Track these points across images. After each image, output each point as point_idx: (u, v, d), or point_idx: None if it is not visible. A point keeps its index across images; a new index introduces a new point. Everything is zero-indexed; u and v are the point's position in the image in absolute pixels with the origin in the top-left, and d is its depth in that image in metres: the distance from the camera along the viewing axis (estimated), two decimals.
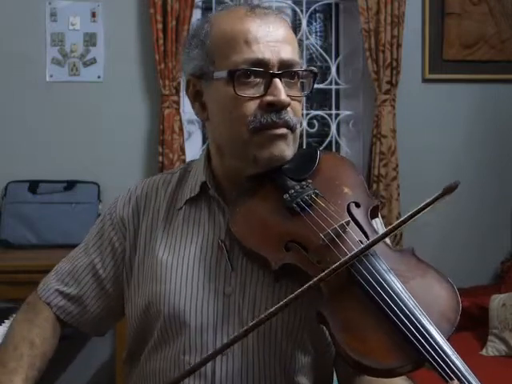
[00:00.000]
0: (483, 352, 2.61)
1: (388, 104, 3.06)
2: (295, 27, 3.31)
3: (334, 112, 3.26)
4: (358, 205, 1.05)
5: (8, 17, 3.00)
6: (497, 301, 2.72)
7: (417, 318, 0.86)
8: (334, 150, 3.27)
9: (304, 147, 3.17)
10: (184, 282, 1.06)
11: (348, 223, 0.99)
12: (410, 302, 0.88)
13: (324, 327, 1.00)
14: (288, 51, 1.05)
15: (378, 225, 1.13)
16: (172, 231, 1.12)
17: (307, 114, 3.23)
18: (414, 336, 0.84)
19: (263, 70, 1.02)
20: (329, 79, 3.24)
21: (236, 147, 1.06)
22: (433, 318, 0.86)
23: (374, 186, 3.04)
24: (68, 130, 3.05)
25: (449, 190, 0.88)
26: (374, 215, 1.07)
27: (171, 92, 2.96)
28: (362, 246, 0.93)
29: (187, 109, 3.17)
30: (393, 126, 3.06)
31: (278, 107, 1.02)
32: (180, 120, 3.00)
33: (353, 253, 0.91)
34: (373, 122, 3.09)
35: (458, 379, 0.80)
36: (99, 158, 3.05)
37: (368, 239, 0.97)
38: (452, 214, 3.10)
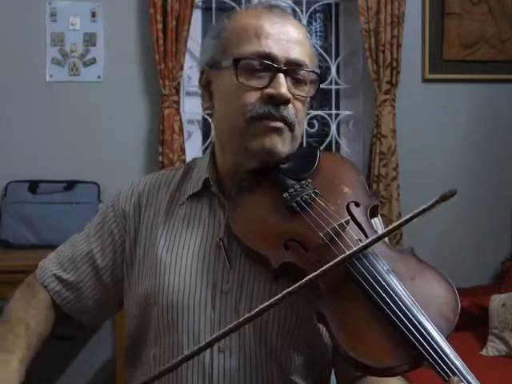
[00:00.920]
0: (483, 352, 2.62)
1: (388, 104, 3.06)
2: None
3: (333, 112, 3.26)
4: (357, 204, 1.05)
5: (8, 17, 3.00)
6: (497, 301, 2.72)
7: (415, 317, 0.86)
8: (333, 149, 3.28)
9: (304, 146, 3.18)
10: (182, 277, 1.07)
11: (347, 222, 0.99)
12: (409, 301, 0.88)
13: (323, 327, 1.00)
14: (297, 51, 1.06)
15: (378, 224, 1.13)
16: (173, 226, 1.13)
17: (307, 114, 3.22)
18: (413, 334, 0.84)
19: (268, 64, 1.04)
20: (329, 79, 3.24)
21: (233, 137, 1.07)
22: (431, 317, 0.86)
23: (374, 186, 3.05)
24: (68, 130, 3.05)
25: (445, 198, 0.89)
26: (373, 215, 1.07)
27: (171, 92, 2.96)
28: (360, 244, 0.93)
29: (187, 109, 3.18)
30: (393, 126, 3.07)
31: (277, 100, 1.03)
32: (180, 120, 3.00)
33: (350, 251, 0.92)
34: (373, 121, 3.09)
35: (455, 375, 0.80)
36: (99, 158, 3.05)
37: (367, 238, 0.97)
38: (452, 214, 3.10)
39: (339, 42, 3.30)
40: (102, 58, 3.05)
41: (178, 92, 2.99)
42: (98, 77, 3.06)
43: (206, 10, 3.23)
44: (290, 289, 0.88)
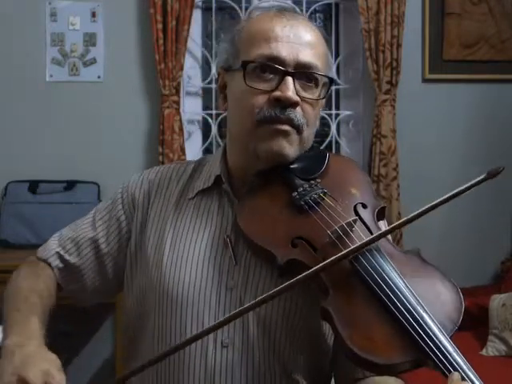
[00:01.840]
0: (483, 352, 2.62)
1: (388, 104, 3.06)
2: None
3: (334, 112, 3.26)
4: (364, 206, 1.06)
5: (8, 17, 3.00)
6: (497, 301, 2.72)
7: (419, 314, 0.86)
8: (334, 150, 3.28)
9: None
10: (188, 272, 1.07)
11: (355, 221, 1.00)
12: (413, 299, 0.88)
13: (327, 327, 1.00)
14: (308, 54, 1.07)
15: (383, 227, 1.13)
16: (181, 220, 1.13)
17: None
18: (417, 332, 0.85)
19: (276, 67, 1.05)
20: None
21: (242, 139, 1.09)
22: (436, 316, 0.87)
23: (374, 186, 3.04)
24: (68, 130, 3.05)
25: (492, 175, 0.93)
26: (380, 217, 1.08)
27: (171, 92, 2.96)
28: (370, 237, 0.93)
29: (187, 109, 3.18)
30: (393, 126, 3.07)
31: (284, 103, 1.04)
32: (180, 120, 3.00)
33: (356, 245, 0.92)
34: (373, 121, 3.09)
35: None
36: (99, 158, 3.05)
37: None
38: (452, 213, 3.10)
39: (339, 42, 3.30)
40: (101, 58, 3.05)
41: (177, 92, 2.99)
42: (98, 77, 3.06)
43: (206, 9, 3.23)
44: (294, 280, 0.89)
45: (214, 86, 3.17)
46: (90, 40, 3.04)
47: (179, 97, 3.02)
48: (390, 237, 1.09)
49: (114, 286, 1.22)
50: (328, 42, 1.15)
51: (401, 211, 3.04)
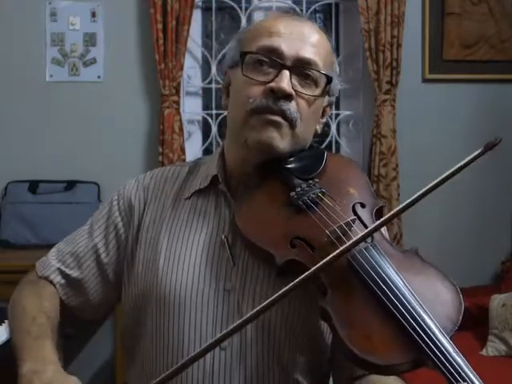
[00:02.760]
0: (483, 352, 2.62)
1: (388, 104, 3.06)
2: None
3: (334, 112, 3.25)
4: (363, 205, 1.06)
5: (8, 17, 3.01)
6: (497, 301, 2.72)
7: (418, 314, 0.86)
8: (334, 150, 3.27)
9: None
10: (185, 274, 1.07)
11: (354, 221, 1.00)
12: (412, 298, 0.88)
13: (325, 326, 1.00)
14: (309, 51, 1.07)
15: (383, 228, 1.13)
16: (177, 222, 1.13)
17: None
18: (416, 332, 0.84)
19: (274, 59, 1.06)
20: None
21: (236, 130, 1.09)
22: (435, 316, 0.86)
23: (374, 186, 3.04)
24: (68, 130, 3.05)
25: (489, 147, 0.88)
26: (378, 216, 1.07)
27: (171, 92, 2.96)
28: (365, 231, 0.92)
29: (187, 109, 3.18)
30: (393, 126, 3.07)
31: (277, 94, 1.04)
32: (180, 120, 3.00)
33: (352, 240, 0.91)
34: (373, 122, 3.09)
35: (459, 375, 0.81)
36: (99, 158, 3.05)
37: (373, 239, 0.98)
38: (452, 213, 3.10)
39: (339, 42, 3.30)
40: (101, 58, 3.05)
41: (177, 92, 2.99)
42: (98, 77, 3.06)
43: (206, 9, 3.23)
44: (291, 284, 0.88)
45: (214, 86, 3.17)
46: (90, 40, 3.04)
47: (179, 97, 3.02)
48: (388, 236, 1.09)
49: (116, 296, 1.19)
50: (332, 45, 1.16)
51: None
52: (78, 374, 0.95)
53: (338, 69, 1.17)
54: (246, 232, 1.04)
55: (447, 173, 0.88)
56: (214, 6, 3.16)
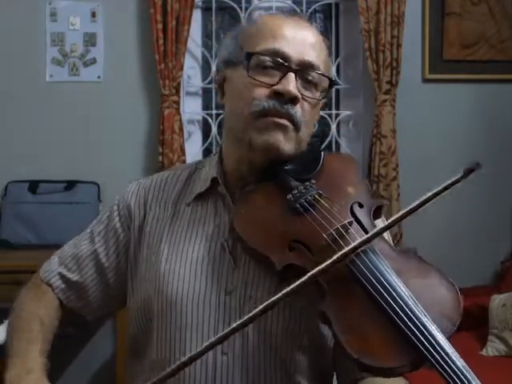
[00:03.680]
0: (483, 352, 2.62)
1: (388, 104, 3.06)
2: None
3: (334, 112, 3.25)
4: (361, 205, 1.05)
5: (8, 17, 3.01)
6: (497, 301, 2.72)
7: (417, 317, 0.86)
8: (333, 150, 3.27)
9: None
10: (187, 279, 1.07)
11: (351, 223, 0.99)
12: (411, 301, 0.88)
13: (327, 327, 1.00)
14: (311, 55, 1.08)
15: (381, 225, 1.13)
16: (178, 226, 1.13)
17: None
18: (414, 334, 0.84)
19: (280, 61, 1.05)
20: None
21: (238, 131, 1.08)
22: (434, 318, 0.86)
23: (374, 186, 3.04)
24: (68, 130, 3.05)
25: (469, 172, 0.86)
26: (377, 215, 1.07)
27: (171, 92, 2.97)
28: (363, 237, 0.92)
29: (187, 109, 3.18)
30: (393, 126, 3.06)
31: (284, 97, 1.04)
32: (180, 120, 3.00)
33: (350, 246, 0.91)
34: (373, 121, 3.09)
35: (457, 376, 0.81)
36: (99, 158, 3.05)
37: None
38: (452, 213, 3.10)
39: (339, 42, 3.30)
40: (101, 58, 3.05)
41: (177, 92, 2.99)
42: (98, 77, 3.06)
43: (206, 9, 3.23)
44: (289, 288, 0.88)
45: (214, 85, 3.16)
46: (89, 40, 3.04)
47: (179, 97, 3.02)
48: (387, 236, 1.08)
49: (118, 300, 1.20)
50: (329, 49, 1.17)
51: (401, 211, 3.04)
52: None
53: (331, 68, 1.19)
54: (244, 237, 1.03)
55: (424, 197, 0.87)
56: (213, 5, 3.16)
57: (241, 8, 3.17)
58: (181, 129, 3.00)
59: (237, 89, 1.09)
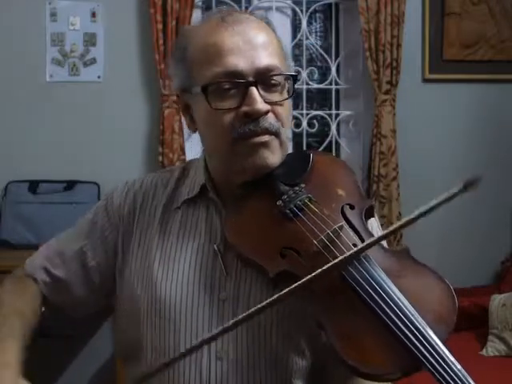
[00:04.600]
0: (483, 352, 2.62)
1: (388, 104, 3.06)
2: (295, 27, 3.32)
3: (334, 112, 3.25)
4: (352, 207, 1.04)
5: (8, 17, 3.00)
6: (497, 301, 2.72)
7: (411, 322, 0.85)
8: (334, 150, 3.28)
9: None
10: (179, 286, 1.06)
11: (341, 228, 0.98)
12: (405, 306, 0.87)
13: (323, 333, 1.00)
14: (264, 57, 1.02)
15: (374, 224, 1.12)
16: (168, 233, 1.11)
17: (307, 114, 3.23)
18: (410, 340, 0.84)
19: (236, 81, 1.01)
20: (329, 79, 3.24)
21: (222, 158, 1.06)
22: (429, 322, 0.86)
23: (374, 186, 3.05)
24: (68, 130, 3.05)
25: (470, 184, 0.81)
26: (369, 215, 1.06)
27: (171, 92, 2.96)
28: (354, 249, 0.91)
29: None
30: (393, 126, 3.06)
31: (254, 116, 1.01)
32: (180, 120, 3.00)
33: (340, 257, 0.90)
34: (373, 122, 3.09)
35: (453, 380, 0.81)
36: (99, 158, 3.05)
37: (362, 241, 0.97)
38: (452, 213, 3.10)
39: (339, 42, 3.30)
40: (101, 58, 3.05)
41: None
42: (98, 77, 3.06)
43: (206, 9, 3.23)
44: (283, 292, 0.88)
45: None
46: (89, 40, 3.04)
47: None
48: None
49: (102, 298, 1.19)
50: (275, 31, 1.08)
51: (401, 211, 3.04)
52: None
53: (287, 50, 1.11)
54: (236, 244, 1.02)
55: (424, 208, 0.83)
56: (213, 5, 3.16)
57: (241, 8, 3.16)
58: (181, 129, 3.00)
59: (204, 120, 1.06)
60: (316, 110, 3.34)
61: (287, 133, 1.09)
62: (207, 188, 1.11)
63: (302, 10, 3.19)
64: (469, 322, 2.67)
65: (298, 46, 3.29)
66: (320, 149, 3.20)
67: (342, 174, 1.12)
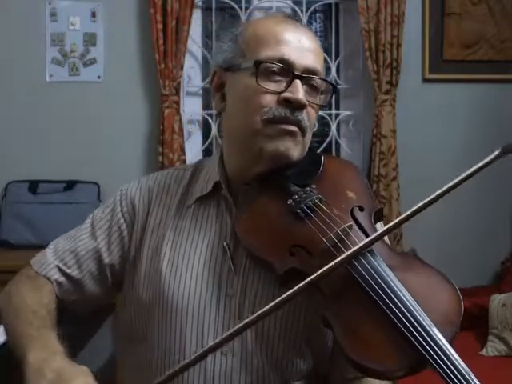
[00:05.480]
0: (483, 352, 2.62)
1: (388, 104, 3.06)
2: None
3: (334, 112, 3.25)
4: (361, 209, 1.06)
5: (8, 17, 3.00)
6: (497, 301, 2.72)
7: (417, 320, 0.86)
8: (334, 150, 3.28)
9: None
10: (188, 281, 1.08)
11: (350, 227, 1.00)
12: (411, 304, 0.88)
13: (326, 331, 1.01)
14: (314, 60, 1.09)
15: (380, 229, 1.13)
16: (180, 229, 1.13)
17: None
18: (415, 338, 0.84)
19: (287, 69, 1.06)
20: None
21: (246, 138, 1.08)
22: (435, 321, 0.86)
23: (374, 186, 3.04)
24: (68, 130, 3.05)
25: (509, 149, 0.89)
26: (377, 219, 1.08)
27: (171, 92, 2.97)
28: (363, 242, 0.93)
29: (187, 109, 3.18)
30: (393, 126, 3.07)
31: (294, 105, 1.05)
32: (180, 120, 3.00)
33: (350, 251, 0.92)
34: (373, 122, 3.09)
35: (458, 379, 0.81)
36: (99, 158, 3.05)
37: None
38: (452, 213, 3.10)
39: (339, 42, 3.30)
40: (101, 58, 3.05)
41: (177, 92, 2.99)
42: (98, 77, 3.06)
43: (206, 9, 3.23)
44: (290, 292, 0.89)
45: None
46: (89, 40, 3.05)
47: (179, 97, 3.02)
48: (387, 238, 1.08)
49: (114, 292, 1.20)
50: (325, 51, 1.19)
51: (401, 211, 3.04)
52: None
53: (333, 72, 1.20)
54: (245, 242, 1.05)
55: (462, 175, 0.90)
56: (213, 5, 3.16)
57: (241, 8, 3.16)
58: (181, 129, 3.00)
59: (243, 95, 1.09)
60: None
61: (310, 139, 1.13)
62: (220, 186, 1.13)
63: (301, 10, 3.19)
64: (469, 322, 2.66)
65: None
66: (320, 149, 3.20)
67: (353, 176, 1.15)
